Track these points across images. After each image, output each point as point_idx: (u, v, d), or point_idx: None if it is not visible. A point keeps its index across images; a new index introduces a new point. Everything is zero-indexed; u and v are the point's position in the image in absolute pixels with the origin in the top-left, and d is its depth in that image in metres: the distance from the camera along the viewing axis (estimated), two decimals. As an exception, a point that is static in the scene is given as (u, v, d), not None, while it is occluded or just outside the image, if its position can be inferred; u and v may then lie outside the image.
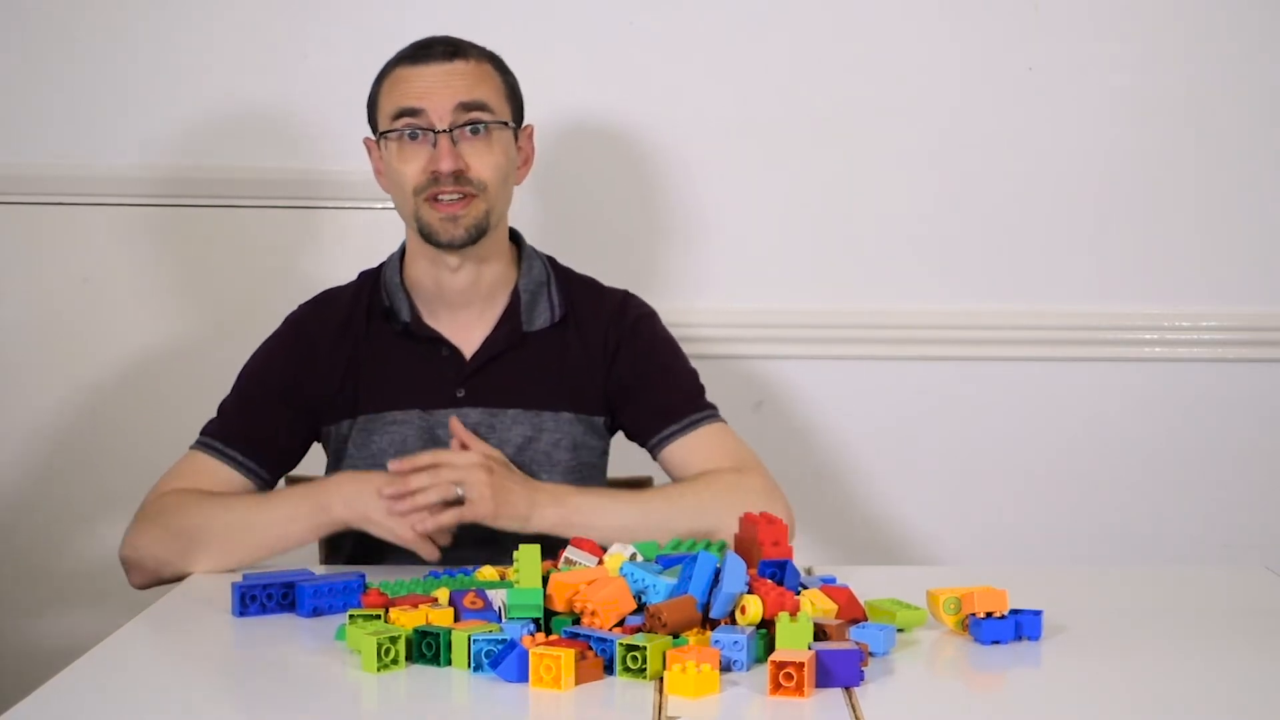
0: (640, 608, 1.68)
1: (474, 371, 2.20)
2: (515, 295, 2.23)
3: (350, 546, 2.22)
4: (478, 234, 2.14)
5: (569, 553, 1.81)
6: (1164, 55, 2.84)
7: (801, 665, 1.52)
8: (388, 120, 2.15)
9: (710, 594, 1.67)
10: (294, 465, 2.25)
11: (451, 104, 2.12)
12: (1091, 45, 2.84)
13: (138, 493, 2.14)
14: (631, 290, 2.32)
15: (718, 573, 1.67)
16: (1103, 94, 2.85)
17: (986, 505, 2.90)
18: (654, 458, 2.23)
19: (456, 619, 1.70)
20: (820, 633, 1.64)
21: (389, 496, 2.01)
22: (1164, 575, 2.22)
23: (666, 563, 1.76)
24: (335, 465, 2.23)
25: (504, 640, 1.60)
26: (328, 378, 2.21)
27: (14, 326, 2.85)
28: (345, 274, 2.30)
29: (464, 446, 2.09)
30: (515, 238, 2.27)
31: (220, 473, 2.15)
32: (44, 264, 2.85)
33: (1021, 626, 1.73)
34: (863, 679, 1.57)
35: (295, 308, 2.28)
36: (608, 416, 2.25)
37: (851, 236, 2.87)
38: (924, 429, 2.90)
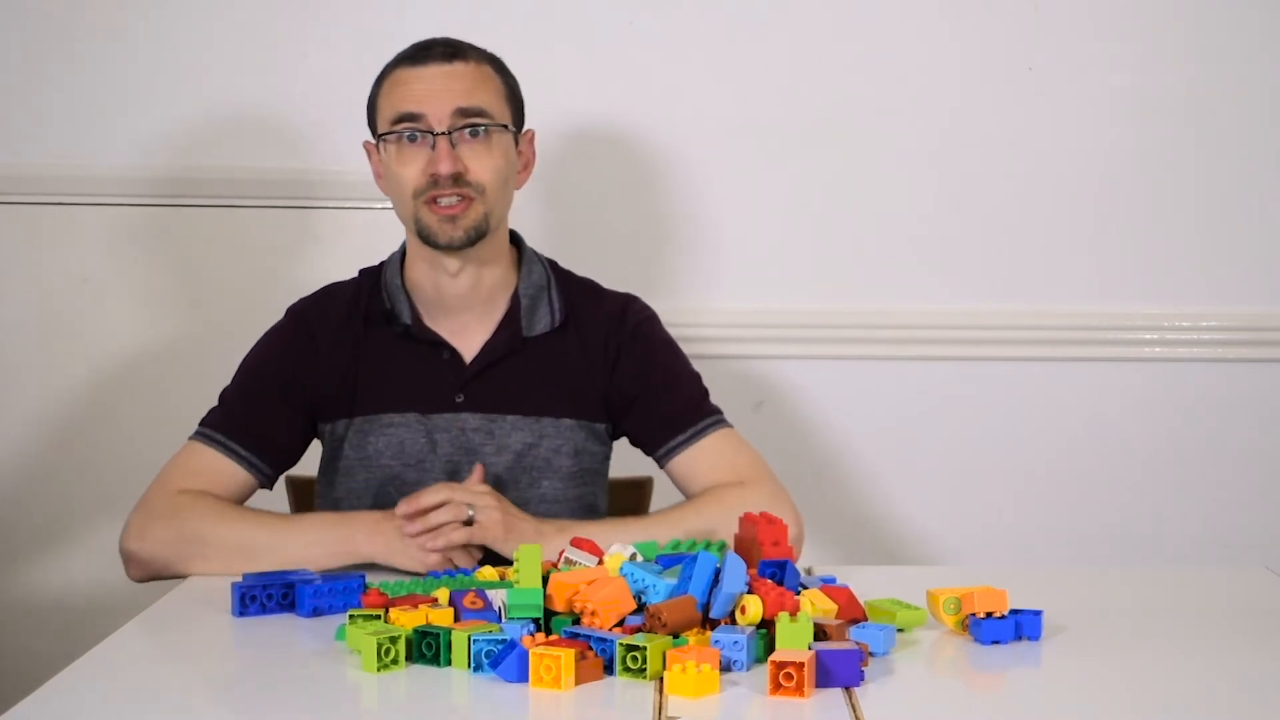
0: (640, 608, 1.68)
1: (473, 376, 2.19)
2: (515, 299, 2.22)
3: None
4: (476, 236, 2.13)
5: (569, 552, 1.81)
6: (1164, 55, 2.84)
7: (801, 665, 1.52)
8: (387, 123, 2.14)
9: (710, 594, 1.67)
10: (295, 462, 2.25)
11: (450, 106, 2.11)
12: (1091, 45, 2.84)
13: (137, 492, 2.14)
14: (632, 290, 2.31)
15: (718, 573, 1.67)
16: (1103, 94, 2.85)
17: (986, 505, 2.90)
18: (660, 467, 2.23)
19: (456, 619, 1.70)
20: (820, 633, 1.63)
21: (402, 516, 2.01)
22: (1164, 575, 2.22)
23: (666, 563, 1.76)
24: (330, 465, 2.23)
25: (504, 640, 1.60)
26: (327, 374, 2.20)
27: (14, 326, 2.85)
28: (345, 275, 2.29)
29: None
30: (516, 240, 2.27)
31: (223, 466, 2.15)
32: (44, 264, 2.85)
33: (1021, 626, 1.73)
34: (863, 679, 1.57)
35: (297, 300, 2.28)
36: (609, 423, 2.24)
37: (851, 236, 2.87)
38: (924, 429, 2.90)
